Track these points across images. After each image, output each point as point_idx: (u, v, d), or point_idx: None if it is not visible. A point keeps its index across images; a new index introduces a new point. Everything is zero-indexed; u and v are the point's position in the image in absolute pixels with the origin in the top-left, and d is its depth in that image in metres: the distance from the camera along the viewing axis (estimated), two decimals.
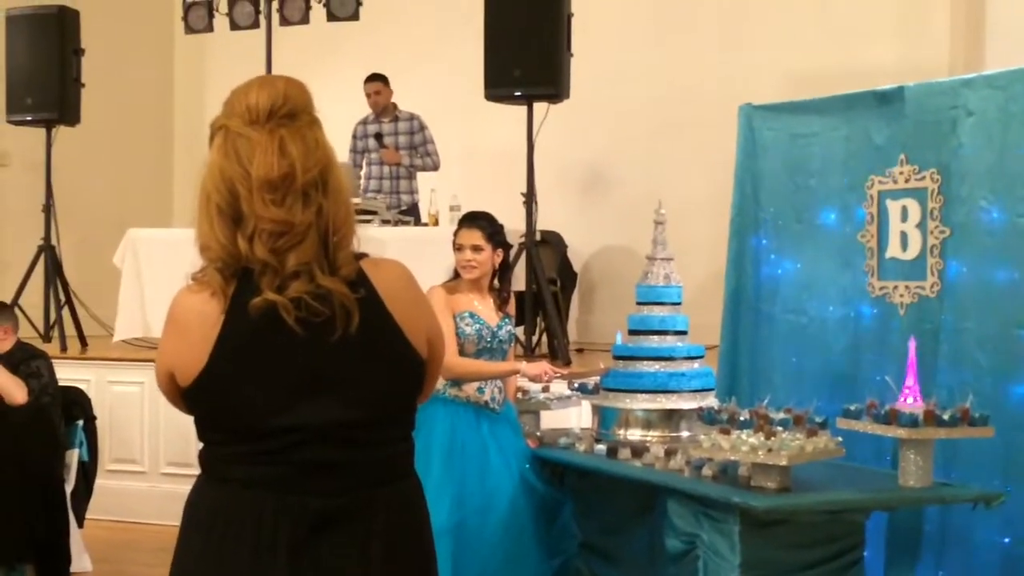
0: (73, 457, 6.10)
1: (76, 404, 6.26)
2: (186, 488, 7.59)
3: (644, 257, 9.62)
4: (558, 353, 7.50)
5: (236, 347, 2.18)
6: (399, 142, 8.98)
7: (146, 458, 7.63)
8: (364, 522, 2.22)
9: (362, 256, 2.29)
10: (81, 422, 6.21)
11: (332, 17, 8.14)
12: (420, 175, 9.13)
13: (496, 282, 4.78)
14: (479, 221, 4.72)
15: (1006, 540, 4.34)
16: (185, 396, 2.26)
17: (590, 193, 10.29)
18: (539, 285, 7.54)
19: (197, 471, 7.49)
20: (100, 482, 6.44)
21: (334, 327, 2.17)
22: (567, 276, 9.76)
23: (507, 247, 4.82)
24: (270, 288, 2.16)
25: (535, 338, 7.87)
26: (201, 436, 2.31)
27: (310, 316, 2.16)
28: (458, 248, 4.68)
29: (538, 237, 7.98)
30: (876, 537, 4.33)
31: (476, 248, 4.64)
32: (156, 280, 8.51)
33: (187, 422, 7.45)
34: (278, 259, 2.16)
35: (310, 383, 2.19)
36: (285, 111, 2.25)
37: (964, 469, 4.31)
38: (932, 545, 4.56)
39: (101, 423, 6.48)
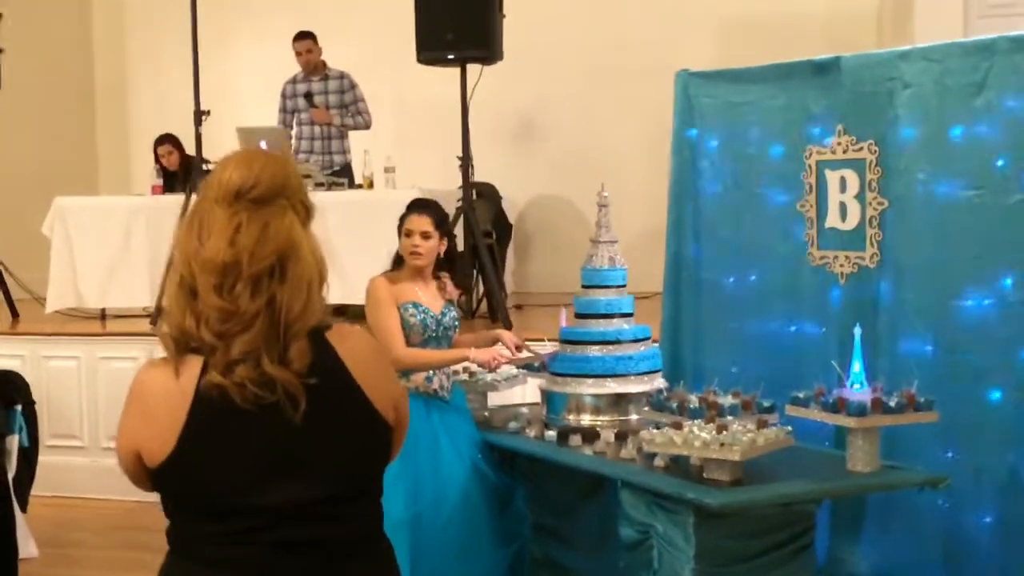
0: (13, 443, 6.03)
1: (14, 388, 6.18)
2: None
3: (577, 205, 9.95)
4: (498, 314, 7.51)
5: (201, 429, 2.15)
6: (329, 101, 8.88)
7: (85, 433, 7.57)
8: None
9: (327, 328, 2.25)
10: (19, 407, 6.14)
11: None
12: (352, 134, 9.04)
13: (440, 271, 4.75)
14: (429, 208, 4.67)
15: (945, 505, 4.44)
16: (153, 476, 2.21)
17: (523, 144, 10.27)
18: (477, 248, 7.53)
19: None
20: (40, 458, 6.39)
21: (284, 412, 2.14)
22: (502, 228, 9.76)
23: (452, 236, 4.79)
24: (217, 370, 2.12)
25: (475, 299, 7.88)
26: (168, 514, 2.26)
27: (258, 401, 2.13)
28: (406, 233, 4.63)
29: (473, 193, 7.97)
30: (821, 509, 4.41)
31: (425, 235, 4.60)
32: (86, 248, 8.40)
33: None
34: (224, 343, 2.13)
35: (276, 463, 2.16)
36: (254, 195, 2.19)
37: (904, 437, 4.39)
38: (876, 509, 4.67)
39: (38, 398, 6.41)
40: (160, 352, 2.21)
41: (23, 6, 9.05)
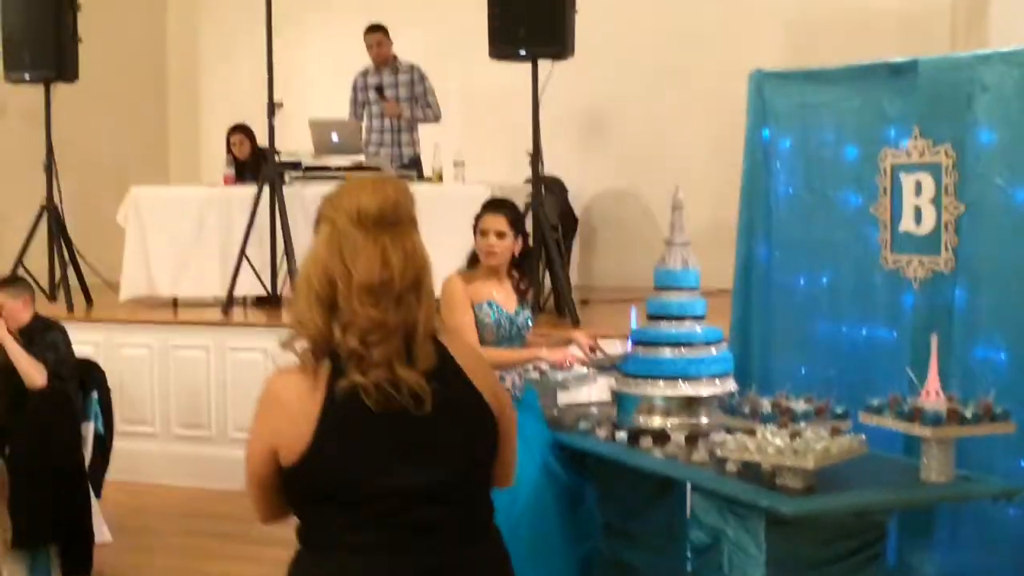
0: (89, 430, 6.14)
1: (90, 376, 6.29)
2: (196, 449, 7.68)
3: (644, 200, 9.94)
4: (565, 310, 7.53)
5: (335, 424, 2.34)
6: (400, 94, 8.94)
7: (157, 420, 7.68)
8: None
9: (438, 331, 2.49)
10: (96, 394, 6.25)
11: None
12: (421, 126, 9.09)
13: (515, 271, 4.78)
14: (504, 207, 4.71)
15: (1015, 513, 4.41)
16: (287, 474, 2.37)
17: (591, 138, 10.30)
18: (546, 246, 7.55)
19: (206, 432, 7.52)
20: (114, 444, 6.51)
21: (408, 409, 2.35)
22: (568, 221, 9.79)
23: (526, 235, 4.82)
24: (358, 371, 2.33)
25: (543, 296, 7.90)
26: (299, 511, 2.44)
27: (386, 399, 2.34)
28: (482, 233, 4.67)
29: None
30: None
31: (500, 234, 4.63)
32: (160, 238, 8.54)
33: (197, 383, 7.49)
34: (366, 350, 2.34)
35: (403, 452, 2.36)
36: (391, 219, 2.40)
37: (977, 446, 4.35)
38: (945, 521, 4.63)
39: (111, 385, 6.51)
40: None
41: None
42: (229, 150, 9.21)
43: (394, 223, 2.39)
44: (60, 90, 8.78)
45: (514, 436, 2.63)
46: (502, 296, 4.69)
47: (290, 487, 2.39)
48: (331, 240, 2.39)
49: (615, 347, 5.13)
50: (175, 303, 8.52)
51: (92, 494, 5.94)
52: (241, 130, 9.15)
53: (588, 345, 4.76)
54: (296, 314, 2.41)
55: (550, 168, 8.80)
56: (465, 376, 2.46)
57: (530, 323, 4.75)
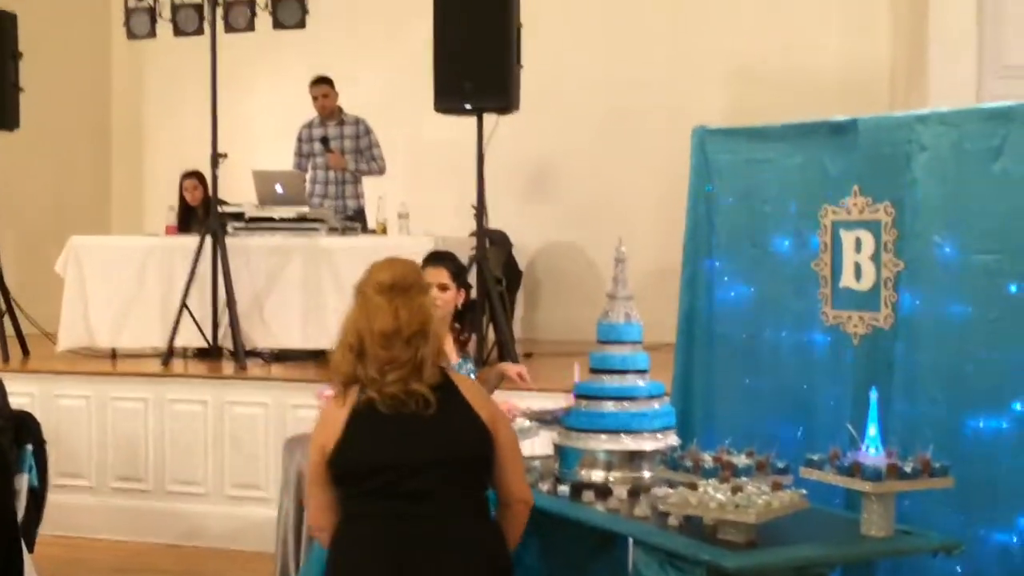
0: (22, 482, 6.01)
1: (25, 428, 6.16)
2: (133, 502, 7.54)
3: (588, 253, 9.98)
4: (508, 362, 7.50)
5: (356, 423, 3.34)
6: (345, 146, 8.94)
7: (93, 473, 7.56)
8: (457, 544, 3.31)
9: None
10: (30, 446, 6.13)
11: (278, 24, 8.05)
12: (366, 179, 9.09)
13: (456, 323, 4.77)
14: (445, 260, 4.70)
15: (959, 569, 4.43)
16: (328, 463, 3.35)
17: (535, 192, 10.35)
18: (490, 299, 7.55)
19: (143, 485, 7.40)
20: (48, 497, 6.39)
21: (417, 409, 3.32)
22: (512, 275, 9.81)
23: (469, 287, 4.81)
24: (373, 390, 3.34)
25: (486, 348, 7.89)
26: (337, 494, 3.38)
27: (400, 405, 3.32)
28: None
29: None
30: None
31: (442, 287, 4.62)
32: (99, 288, 8.45)
33: (135, 437, 7.36)
34: (381, 377, 3.34)
35: (408, 438, 3.31)
36: (401, 286, 3.40)
37: (916, 500, 4.38)
38: (887, 575, 4.65)
39: (47, 437, 6.39)
40: None
41: (43, 46, 9.13)
42: (181, 196, 9.17)
43: (404, 289, 3.39)
44: (0, 139, 8.70)
45: (513, 449, 3.52)
46: (445, 348, 4.66)
47: (330, 472, 3.33)
48: (360, 305, 3.40)
49: (558, 401, 5.12)
50: (114, 354, 8.42)
51: (24, 548, 5.81)
52: (195, 176, 9.11)
53: (517, 373, 4.76)
54: (333, 361, 3.42)
55: (495, 221, 8.84)
56: (462, 394, 3.42)
57: (472, 375, 4.73)
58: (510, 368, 4.86)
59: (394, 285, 3.36)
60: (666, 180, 8.61)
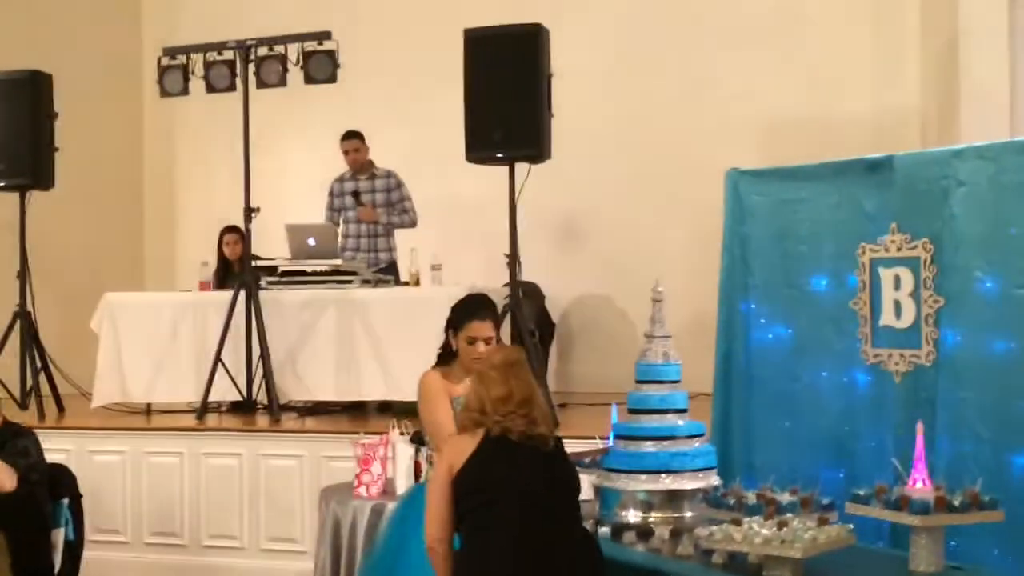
0: (59, 536, 6.00)
1: (61, 482, 6.16)
2: (169, 557, 7.50)
3: (620, 306, 9.95)
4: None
5: (488, 448, 3.87)
6: (376, 199, 8.96)
7: (129, 528, 7.53)
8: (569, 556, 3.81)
9: None
10: (66, 500, 6.12)
11: (310, 80, 8.11)
12: (398, 232, 9.10)
13: None
14: (490, 311, 4.67)
15: None
16: (458, 477, 3.84)
17: (567, 242, 10.33)
18: (526, 347, 7.50)
19: (179, 540, 7.37)
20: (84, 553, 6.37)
21: (540, 445, 3.91)
22: (545, 327, 9.75)
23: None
24: (499, 428, 3.91)
25: None
26: (460, 509, 3.83)
27: (527, 438, 3.88)
28: (470, 341, 4.60)
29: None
30: None
31: (488, 340, 4.59)
32: (133, 344, 8.46)
33: (170, 492, 7.36)
34: (505, 421, 3.92)
35: (528, 467, 3.84)
36: (511, 362, 4.05)
37: (964, 539, 4.31)
38: None
39: (82, 492, 6.38)
40: None
41: (77, 105, 9.22)
42: (220, 250, 9.20)
43: (512, 364, 4.02)
44: (36, 198, 8.77)
45: None
46: None
47: (456, 487, 3.80)
48: (478, 380, 4.02)
49: (596, 446, 5.08)
50: (149, 409, 8.42)
51: None
52: (235, 230, 9.12)
53: None
54: (459, 423, 4.07)
55: (527, 273, 8.80)
56: (562, 442, 4.05)
57: None
58: None
59: (505, 363, 4.00)
60: (698, 230, 8.61)
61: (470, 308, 4.70)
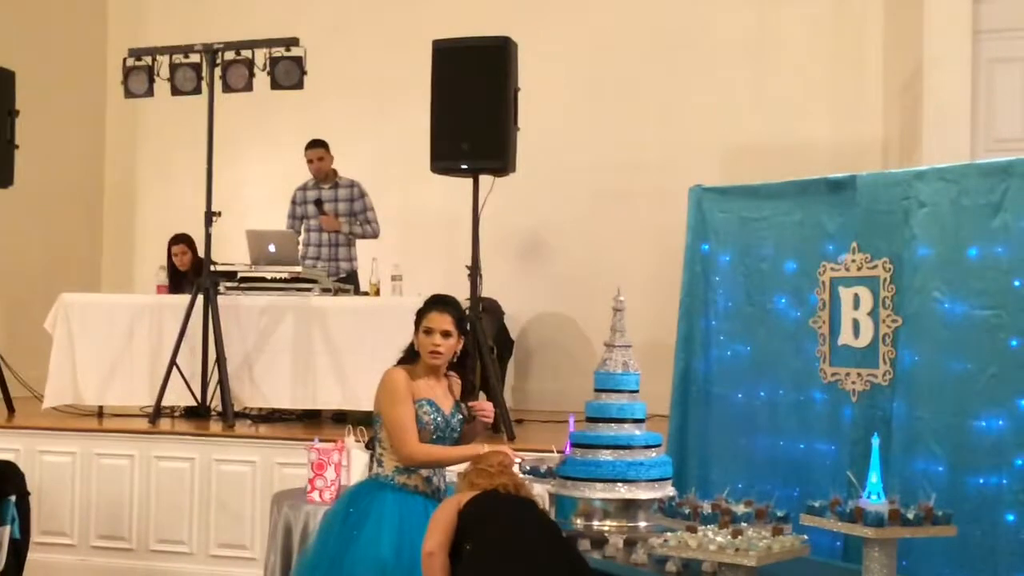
0: (4, 534, 5.94)
1: (8, 479, 6.10)
2: (115, 561, 7.40)
3: (579, 324, 9.96)
4: (502, 427, 7.44)
5: (490, 494, 4.14)
6: (339, 208, 8.92)
7: (76, 530, 7.42)
8: None
9: None
10: (13, 498, 6.05)
11: (276, 85, 8.07)
12: (359, 242, 9.07)
13: (451, 371, 4.73)
14: (451, 306, 4.65)
15: None
16: (463, 509, 4.09)
17: (528, 260, 10.33)
18: (482, 359, 7.50)
19: (126, 543, 7.27)
20: (28, 554, 6.28)
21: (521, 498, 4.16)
22: (504, 343, 9.74)
23: (467, 333, 4.77)
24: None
25: None
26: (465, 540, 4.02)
27: (509, 493, 4.16)
28: (427, 331, 4.60)
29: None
30: None
31: (446, 333, 4.58)
32: (88, 345, 8.36)
33: (119, 495, 7.28)
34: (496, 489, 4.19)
35: (525, 514, 4.09)
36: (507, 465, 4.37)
37: (916, 557, 4.33)
38: None
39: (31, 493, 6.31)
40: None
41: (39, 103, 9.14)
42: (170, 259, 9.12)
43: (508, 466, 4.31)
44: None
45: None
46: (440, 395, 4.63)
47: (461, 519, 4.03)
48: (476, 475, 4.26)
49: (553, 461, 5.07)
50: (101, 412, 8.33)
51: None
52: (184, 240, 9.06)
53: (480, 409, 4.72)
54: (460, 487, 4.31)
55: (487, 289, 8.79)
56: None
57: (462, 425, 4.69)
58: (477, 408, 4.80)
59: (502, 464, 4.32)
60: (659, 250, 8.66)
61: (430, 301, 4.70)
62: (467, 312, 7.46)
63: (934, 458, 4.52)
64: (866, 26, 9.50)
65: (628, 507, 4.35)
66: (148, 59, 8.28)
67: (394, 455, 4.56)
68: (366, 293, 8.52)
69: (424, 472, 4.59)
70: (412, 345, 4.68)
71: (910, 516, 3.71)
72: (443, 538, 4.00)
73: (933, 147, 7.96)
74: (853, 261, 4.93)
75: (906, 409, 4.65)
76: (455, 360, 4.72)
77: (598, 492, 4.36)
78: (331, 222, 8.85)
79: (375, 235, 8.99)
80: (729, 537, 3.54)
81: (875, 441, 3.96)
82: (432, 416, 4.55)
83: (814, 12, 9.69)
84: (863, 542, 3.78)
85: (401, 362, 4.70)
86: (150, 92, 8.34)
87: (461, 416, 4.70)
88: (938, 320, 4.59)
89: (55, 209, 10.75)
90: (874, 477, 3.83)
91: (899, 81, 9.05)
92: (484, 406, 4.80)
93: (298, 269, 8.20)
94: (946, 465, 4.48)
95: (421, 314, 4.65)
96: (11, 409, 8.51)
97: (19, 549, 6.02)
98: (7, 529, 5.94)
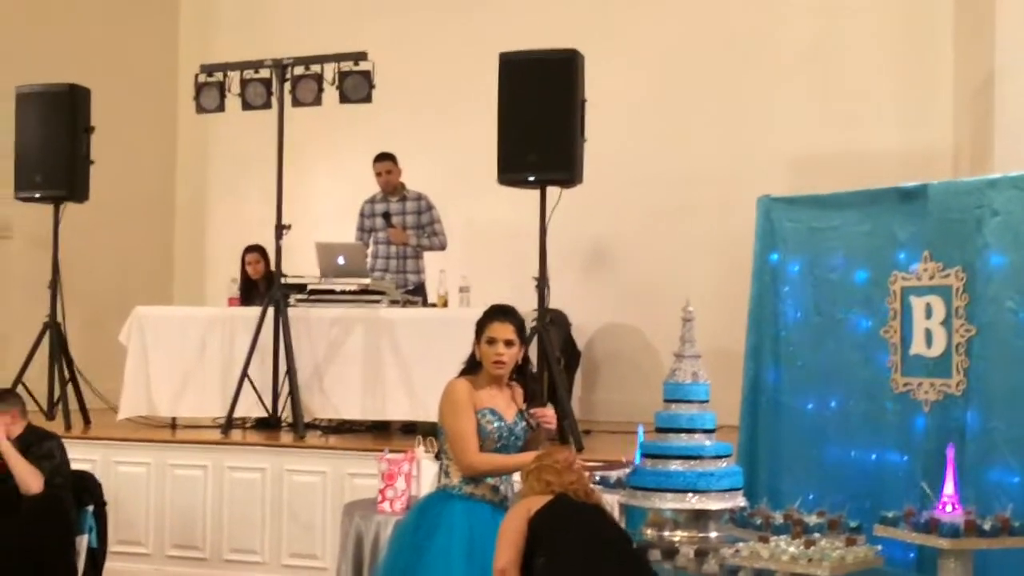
0: (82, 543, 6.05)
1: (86, 489, 6.21)
2: (190, 570, 7.55)
3: (646, 335, 9.94)
4: (569, 438, 7.45)
5: (560, 500, 4.12)
6: (407, 221, 8.99)
7: (151, 540, 7.55)
8: None
9: None
10: (91, 507, 6.16)
11: (345, 99, 8.15)
12: (427, 254, 9.13)
13: (515, 380, 4.76)
14: (513, 316, 4.68)
15: None
16: (531, 519, 4.06)
17: (594, 271, 10.34)
18: (550, 370, 7.52)
19: (200, 553, 7.39)
20: (106, 564, 6.39)
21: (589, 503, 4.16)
22: (571, 354, 9.75)
23: (527, 343, 4.80)
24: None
25: None
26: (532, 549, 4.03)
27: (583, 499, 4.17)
28: (490, 341, 4.63)
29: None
30: None
31: (508, 343, 4.61)
32: (161, 358, 8.49)
33: (192, 505, 7.39)
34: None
35: (596, 519, 4.09)
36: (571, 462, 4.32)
37: (993, 567, 4.28)
38: None
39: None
40: None
41: (113, 119, 9.29)
42: (243, 270, 9.25)
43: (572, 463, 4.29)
44: (69, 210, 8.83)
45: None
46: (502, 404, 4.66)
47: (532, 525, 4.01)
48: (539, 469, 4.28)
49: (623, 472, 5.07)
50: (174, 423, 8.45)
51: None
52: (256, 250, 9.21)
53: (542, 414, 4.72)
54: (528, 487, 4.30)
55: (553, 301, 8.79)
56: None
57: (526, 433, 4.72)
58: (540, 415, 4.82)
59: (566, 460, 4.29)
60: (723, 263, 8.63)
61: (491, 311, 4.73)
62: (534, 323, 7.53)
63: (1009, 469, 4.47)
64: (935, 33, 9.41)
65: (699, 517, 4.35)
66: (219, 75, 8.40)
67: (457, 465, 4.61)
68: (434, 305, 8.57)
69: (491, 481, 4.61)
70: (473, 355, 4.71)
71: (986, 527, 3.68)
72: (514, 553, 3.98)
73: (1005, 155, 7.86)
74: (925, 270, 4.89)
75: (980, 419, 4.61)
76: (516, 369, 4.74)
77: (668, 502, 4.36)
78: (399, 235, 8.92)
79: (442, 247, 9.04)
80: (802, 548, 3.53)
81: (950, 450, 3.93)
82: (495, 425, 4.58)
83: (881, 19, 9.62)
84: (938, 553, 3.75)
85: (463, 373, 4.74)
86: (221, 107, 8.45)
87: (525, 424, 4.73)
88: (1012, 329, 4.55)
89: (129, 223, 10.92)
90: (950, 487, 3.79)
91: (970, 89, 8.94)
92: (546, 412, 4.81)
93: (367, 281, 8.27)
94: (1021, 475, 4.43)
95: (482, 324, 4.68)
96: (87, 420, 8.66)
97: (96, 558, 6.13)
98: (85, 538, 6.05)
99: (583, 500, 4.12)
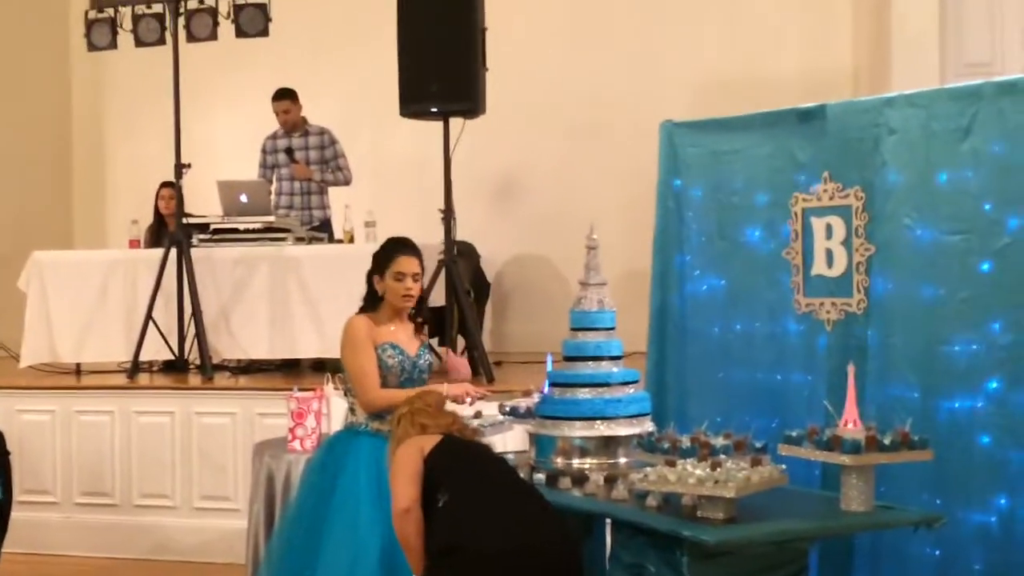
0: None
1: None
2: (100, 517, 7.43)
3: (556, 265, 9.95)
4: (480, 369, 7.46)
5: (442, 445, 4.06)
6: (310, 157, 8.86)
7: (59, 488, 7.44)
8: None
9: None
10: None
11: (241, 33, 7.98)
12: (332, 189, 9.03)
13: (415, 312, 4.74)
14: (416, 249, 4.66)
15: (936, 552, 4.41)
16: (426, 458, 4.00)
17: (502, 202, 10.29)
18: (459, 303, 7.50)
19: (110, 499, 7.28)
20: (12, 515, 6.28)
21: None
22: (481, 286, 9.73)
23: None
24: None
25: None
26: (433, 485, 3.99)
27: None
28: (398, 277, 4.59)
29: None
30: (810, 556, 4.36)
31: (416, 277, 4.58)
32: (62, 303, 8.32)
33: (100, 451, 7.25)
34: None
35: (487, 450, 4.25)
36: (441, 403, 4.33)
37: (893, 484, 4.36)
38: (865, 559, 4.63)
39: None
40: None
41: (3, 62, 9.03)
42: (156, 206, 9.07)
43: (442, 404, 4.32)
44: None
45: None
46: (404, 338, 4.64)
47: (428, 463, 3.95)
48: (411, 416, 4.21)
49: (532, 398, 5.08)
50: (78, 369, 8.30)
51: None
52: (171, 185, 8.98)
53: (465, 392, 4.72)
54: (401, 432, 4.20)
55: (462, 232, 8.77)
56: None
57: (431, 366, 4.71)
58: (452, 368, 4.86)
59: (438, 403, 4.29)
60: (632, 188, 8.62)
61: (395, 245, 4.69)
62: (441, 256, 7.49)
63: (908, 384, 4.55)
64: None
65: (608, 444, 4.37)
66: (110, 10, 8.18)
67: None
68: (340, 241, 8.49)
69: None
70: (372, 290, 4.67)
71: (887, 442, 3.74)
72: (416, 491, 3.87)
73: (903, 74, 7.94)
74: (825, 191, 4.92)
75: (880, 337, 4.67)
76: (418, 301, 4.73)
77: (577, 430, 4.38)
78: (303, 170, 8.80)
79: (347, 182, 8.94)
80: (708, 470, 3.56)
81: (851, 369, 3.98)
82: (398, 359, 4.56)
83: None
84: (841, 470, 3.81)
85: (363, 310, 4.70)
86: (113, 44, 8.24)
87: (428, 358, 4.72)
88: (909, 247, 4.60)
89: (24, 167, 10.65)
90: (851, 404, 3.85)
91: (868, 9, 9.01)
92: (459, 368, 4.83)
93: (271, 219, 8.16)
94: (921, 391, 4.51)
95: (387, 259, 4.63)
96: None
97: (2, 509, 6.00)
98: None
99: (470, 440, 4.12)
